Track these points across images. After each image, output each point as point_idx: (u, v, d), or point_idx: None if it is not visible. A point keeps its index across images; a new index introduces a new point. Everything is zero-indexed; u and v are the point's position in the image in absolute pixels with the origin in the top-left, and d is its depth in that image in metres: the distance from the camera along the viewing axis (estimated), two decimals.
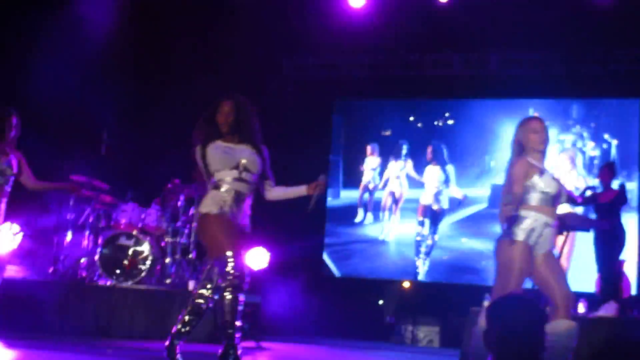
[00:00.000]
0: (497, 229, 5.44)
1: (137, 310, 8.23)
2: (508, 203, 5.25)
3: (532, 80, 10.81)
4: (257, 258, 9.64)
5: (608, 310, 7.81)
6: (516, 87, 10.92)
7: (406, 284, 10.43)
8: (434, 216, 11.06)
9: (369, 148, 11.51)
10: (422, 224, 11.04)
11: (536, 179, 5.19)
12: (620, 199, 8.38)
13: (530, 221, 5.14)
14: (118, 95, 10.24)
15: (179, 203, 9.31)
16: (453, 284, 10.58)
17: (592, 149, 10.57)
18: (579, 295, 8.22)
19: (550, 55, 10.76)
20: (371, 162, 11.53)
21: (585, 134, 10.63)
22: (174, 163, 10.17)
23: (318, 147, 11.24)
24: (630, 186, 9.82)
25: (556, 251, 5.94)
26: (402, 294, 10.25)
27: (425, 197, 11.15)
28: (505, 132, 10.78)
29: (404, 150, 11.39)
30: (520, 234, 5.10)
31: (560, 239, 7.66)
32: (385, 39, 10.98)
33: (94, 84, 10.29)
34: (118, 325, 8.09)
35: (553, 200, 5.24)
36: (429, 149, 11.19)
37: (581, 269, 9.34)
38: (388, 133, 11.55)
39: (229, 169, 5.52)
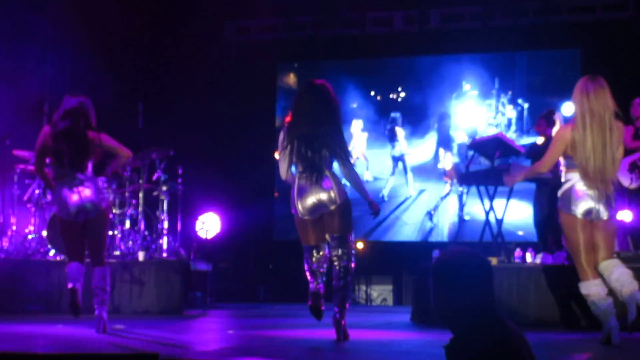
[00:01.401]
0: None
1: (88, 284, 8.15)
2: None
3: (473, 34, 10.85)
4: (210, 225, 9.65)
5: (544, 259, 7.83)
6: (458, 42, 10.95)
7: (359, 245, 10.44)
8: None
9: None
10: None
11: None
12: None
13: None
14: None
15: (125, 174, 9.20)
16: (404, 242, 10.63)
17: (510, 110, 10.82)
18: (527, 245, 8.35)
19: (490, 8, 10.77)
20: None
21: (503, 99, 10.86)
22: (119, 134, 10.06)
23: (264, 111, 11.18)
24: None
25: None
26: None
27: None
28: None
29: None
30: None
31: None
32: None
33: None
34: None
35: None
36: None
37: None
38: (354, 105, 11.45)
39: None
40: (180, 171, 9.67)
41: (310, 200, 5.80)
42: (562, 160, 5.64)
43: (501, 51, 11.03)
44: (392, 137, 11.20)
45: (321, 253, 5.81)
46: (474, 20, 10.91)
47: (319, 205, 5.76)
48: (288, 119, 6.09)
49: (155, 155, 9.25)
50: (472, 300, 2.73)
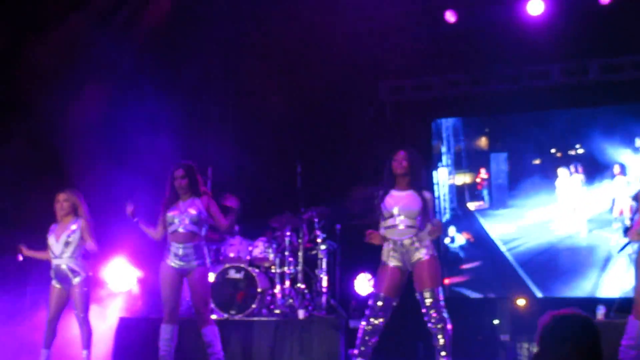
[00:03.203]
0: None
1: (250, 341, 8.34)
2: None
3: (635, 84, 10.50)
4: (366, 281, 9.69)
5: None
6: (619, 92, 10.61)
7: (521, 302, 10.15)
8: None
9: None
10: None
11: None
12: None
13: None
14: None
15: (287, 234, 9.36)
16: (567, 298, 10.27)
17: None
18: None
19: None
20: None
21: None
22: (279, 195, 10.30)
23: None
24: None
25: None
26: (516, 311, 9.99)
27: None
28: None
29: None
30: None
31: None
32: (480, 54, 10.86)
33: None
34: (232, 358, 8.18)
35: None
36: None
37: None
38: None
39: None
40: (338, 229, 9.78)
41: None
42: None
43: None
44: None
45: None
46: (636, 70, 10.55)
47: None
48: None
49: (313, 214, 9.41)
50: None
